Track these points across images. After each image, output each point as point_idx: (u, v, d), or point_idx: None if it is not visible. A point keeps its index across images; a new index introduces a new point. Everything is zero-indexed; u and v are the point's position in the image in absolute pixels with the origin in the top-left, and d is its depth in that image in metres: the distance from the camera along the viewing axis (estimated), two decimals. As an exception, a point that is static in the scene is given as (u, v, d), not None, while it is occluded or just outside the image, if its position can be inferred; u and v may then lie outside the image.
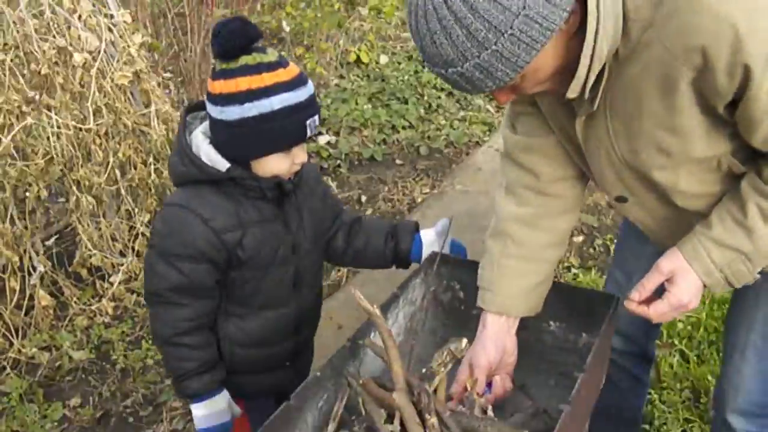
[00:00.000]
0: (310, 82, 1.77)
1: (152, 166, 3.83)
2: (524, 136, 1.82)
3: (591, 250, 4.00)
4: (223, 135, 1.76)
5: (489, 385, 1.84)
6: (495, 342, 1.81)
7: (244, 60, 1.68)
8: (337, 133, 5.44)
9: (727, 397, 1.91)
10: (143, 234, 3.81)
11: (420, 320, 2.04)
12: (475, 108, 5.90)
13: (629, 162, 1.60)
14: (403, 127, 5.53)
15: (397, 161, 5.11)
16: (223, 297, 1.91)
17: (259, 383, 2.06)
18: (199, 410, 1.86)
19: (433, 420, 1.52)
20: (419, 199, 4.60)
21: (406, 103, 5.90)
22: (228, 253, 1.83)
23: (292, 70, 1.72)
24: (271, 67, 1.69)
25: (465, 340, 1.78)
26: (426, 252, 2.08)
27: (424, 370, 1.65)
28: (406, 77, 6.29)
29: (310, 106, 1.73)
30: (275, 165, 1.79)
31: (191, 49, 5.31)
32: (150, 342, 3.34)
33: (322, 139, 5.32)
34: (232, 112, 1.69)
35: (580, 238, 4.10)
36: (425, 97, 6.00)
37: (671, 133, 1.48)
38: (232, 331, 1.94)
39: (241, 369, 1.99)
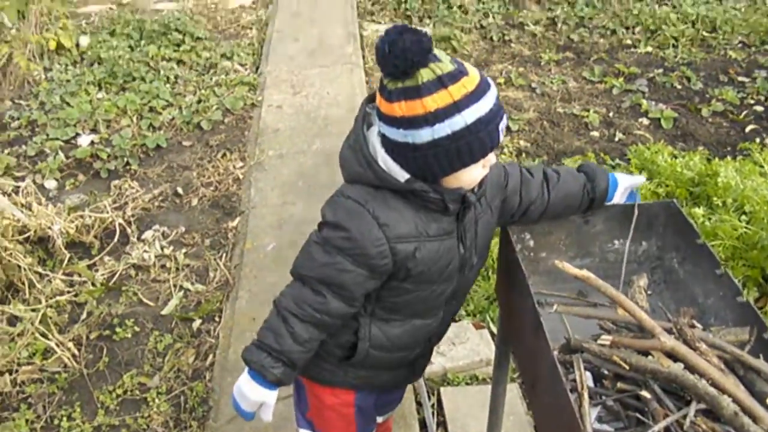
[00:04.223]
0: (492, 83, 1.59)
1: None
2: None
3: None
4: (408, 158, 1.57)
5: None
6: None
7: (425, 75, 1.48)
8: (93, 130, 4.83)
9: None
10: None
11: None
12: (221, 71, 5.62)
13: None
14: (163, 108, 5.08)
15: (185, 143, 4.72)
16: (372, 300, 1.76)
17: (377, 379, 1.95)
18: (243, 382, 1.73)
19: (702, 346, 1.56)
20: (240, 175, 4.34)
21: (144, 81, 5.40)
22: (395, 264, 1.66)
23: (474, 76, 1.52)
24: (454, 78, 1.49)
25: (645, 275, 1.84)
26: (618, 195, 1.99)
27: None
28: (127, 55, 5.72)
29: (499, 109, 1.57)
30: (468, 177, 1.62)
31: None
32: None
33: (84, 141, 4.70)
34: (420, 136, 1.51)
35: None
36: (161, 72, 5.54)
37: None
38: (374, 334, 1.81)
39: (367, 366, 1.88)
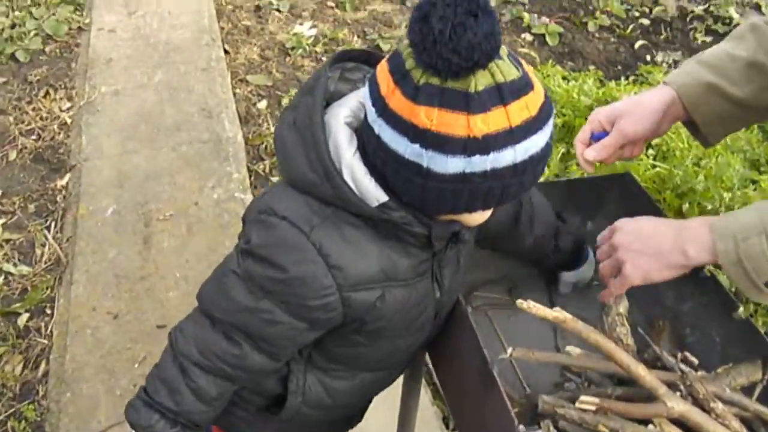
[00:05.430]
0: (553, 108, 1.03)
1: None
2: None
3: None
4: (410, 183, 1.01)
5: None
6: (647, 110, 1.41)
7: (480, 81, 0.93)
8: None
9: None
10: None
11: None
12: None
13: None
14: (-33, 35, 4.20)
15: (-3, 80, 3.90)
16: (310, 344, 1.25)
17: None
18: None
19: (718, 406, 1.16)
20: (68, 119, 3.60)
21: (-59, 1, 4.46)
22: (346, 316, 1.15)
23: (539, 92, 0.99)
24: (518, 91, 0.95)
25: (625, 298, 1.40)
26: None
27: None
28: None
29: (550, 148, 1.03)
30: (479, 217, 1.11)
31: None
32: None
33: None
34: (446, 164, 0.96)
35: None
36: (-37, -12, 4.60)
37: None
38: (310, 387, 1.31)
39: (294, 423, 1.38)
